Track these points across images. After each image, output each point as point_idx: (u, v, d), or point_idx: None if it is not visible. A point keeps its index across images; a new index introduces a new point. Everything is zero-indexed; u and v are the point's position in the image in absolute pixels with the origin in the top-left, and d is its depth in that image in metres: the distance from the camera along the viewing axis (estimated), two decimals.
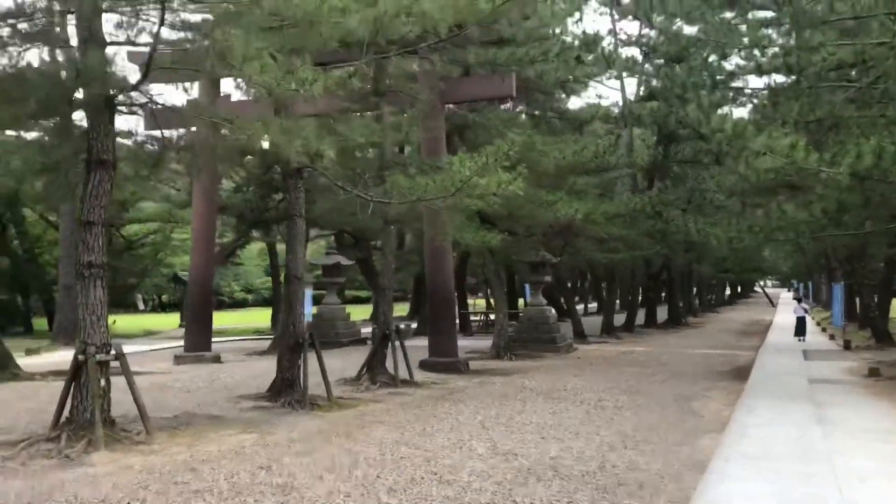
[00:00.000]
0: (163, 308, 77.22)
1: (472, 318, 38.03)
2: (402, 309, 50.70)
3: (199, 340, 22.36)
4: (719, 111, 15.19)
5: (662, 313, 44.48)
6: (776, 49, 20.45)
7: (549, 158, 17.82)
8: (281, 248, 38.33)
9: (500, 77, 19.05)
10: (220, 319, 47.25)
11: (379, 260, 16.95)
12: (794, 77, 17.14)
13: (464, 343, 28.54)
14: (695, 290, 66.05)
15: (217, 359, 22.21)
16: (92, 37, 9.97)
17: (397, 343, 16.54)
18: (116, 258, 39.94)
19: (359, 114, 19.27)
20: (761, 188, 21.55)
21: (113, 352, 10.40)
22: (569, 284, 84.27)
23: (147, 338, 37.47)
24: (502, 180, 10.67)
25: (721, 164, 30.94)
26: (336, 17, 10.69)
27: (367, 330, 30.61)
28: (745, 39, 16.90)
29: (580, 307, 63.88)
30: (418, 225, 16.85)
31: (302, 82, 9.55)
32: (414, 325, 34.92)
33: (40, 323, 42.15)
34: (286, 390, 13.44)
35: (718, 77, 17.20)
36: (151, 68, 9.97)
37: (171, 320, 47.95)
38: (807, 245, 16.71)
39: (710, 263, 53.06)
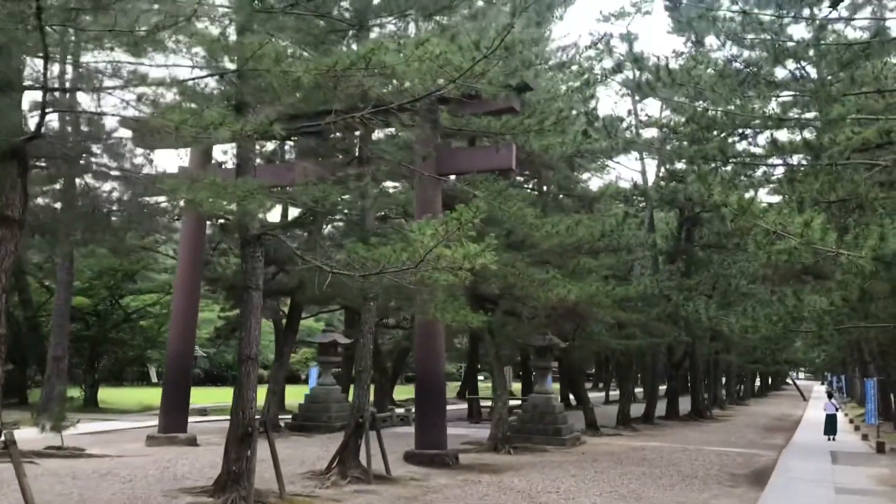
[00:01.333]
0: None
1: (483, 403, 36.17)
2: (408, 391, 48.87)
3: (174, 420, 20.88)
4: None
5: (686, 404, 42.21)
6: (795, 127, 19.26)
7: (543, 233, 16.46)
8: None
9: (499, 148, 17.90)
10: (221, 396, 45.77)
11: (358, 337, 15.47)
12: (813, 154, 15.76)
13: (465, 432, 26.79)
14: (723, 380, 63.46)
15: (192, 441, 20.66)
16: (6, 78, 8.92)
17: (374, 432, 15.00)
18: (115, 330, 38.97)
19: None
20: (786, 274, 20.04)
21: (1, 438, 9.00)
22: (588, 371, 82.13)
23: (140, 413, 36.04)
24: (469, 252, 9.28)
25: (745, 250, 29.52)
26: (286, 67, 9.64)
27: None
28: (760, 111, 15.70)
29: (601, 395, 61.73)
30: (403, 302, 15.47)
31: (207, 126, 8.35)
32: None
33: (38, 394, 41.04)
34: (231, 486, 11.88)
35: (730, 154, 15.89)
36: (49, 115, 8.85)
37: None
38: (830, 338, 15.13)
39: (738, 353, 50.83)
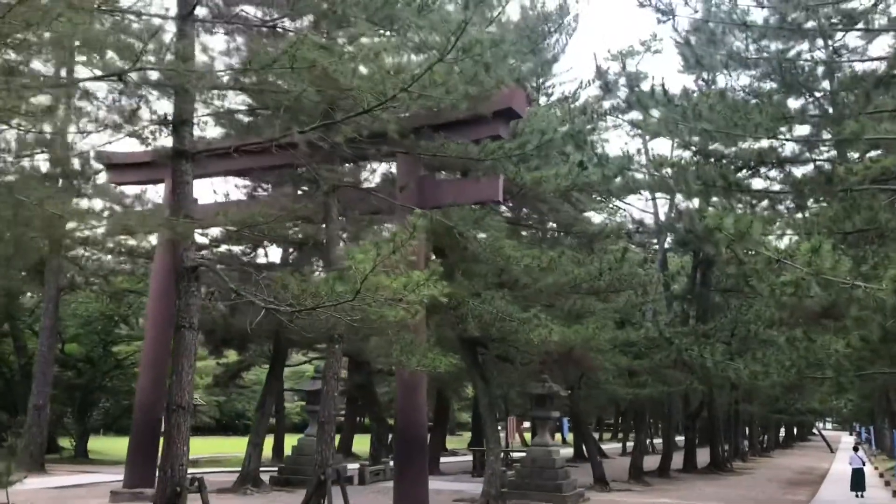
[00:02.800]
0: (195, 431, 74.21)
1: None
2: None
3: (141, 474, 19.39)
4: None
5: (705, 456, 40.02)
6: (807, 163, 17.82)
7: (522, 267, 15.00)
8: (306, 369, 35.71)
9: (480, 178, 16.59)
10: (228, 445, 44.16)
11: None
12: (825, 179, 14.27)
13: (463, 487, 24.98)
14: (747, 430, 60.91)
15: None
16: None
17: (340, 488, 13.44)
18: (107, 378, 37.58)
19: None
20: (803, 317, 18.40)
21: None
22: (607, 420, 79.57)
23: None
24: (412, 281, 7.87)
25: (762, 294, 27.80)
26: None
27: (354, 466, 27.39)
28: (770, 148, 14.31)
29: (616, 446, 59.37)
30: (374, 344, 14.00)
31: None
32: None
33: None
34: None
35: (733, 181, 14.43)
36: None
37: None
38: (850, 385, 13.52)
39: (759, 403, 48.58)
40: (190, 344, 10.78)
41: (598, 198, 23.87)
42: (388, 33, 10.66)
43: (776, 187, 17.52)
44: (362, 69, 9.11)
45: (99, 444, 42.43)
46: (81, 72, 9.72)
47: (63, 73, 14.50)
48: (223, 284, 10.97)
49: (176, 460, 10.59)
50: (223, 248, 22.57)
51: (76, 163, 26.29)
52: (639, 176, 31.49)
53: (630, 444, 54.53)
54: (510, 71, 14.43)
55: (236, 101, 11.18)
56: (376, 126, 13.33)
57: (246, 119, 12.01)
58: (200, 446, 44.93)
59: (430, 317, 18.63)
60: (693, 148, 20.55)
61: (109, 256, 31.51)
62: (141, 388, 19.94)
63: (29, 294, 35.70)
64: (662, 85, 16.70)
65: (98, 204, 30.26)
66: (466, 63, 9.57)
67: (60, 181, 25.47)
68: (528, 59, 19.62)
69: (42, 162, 20.35)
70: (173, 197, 10.94)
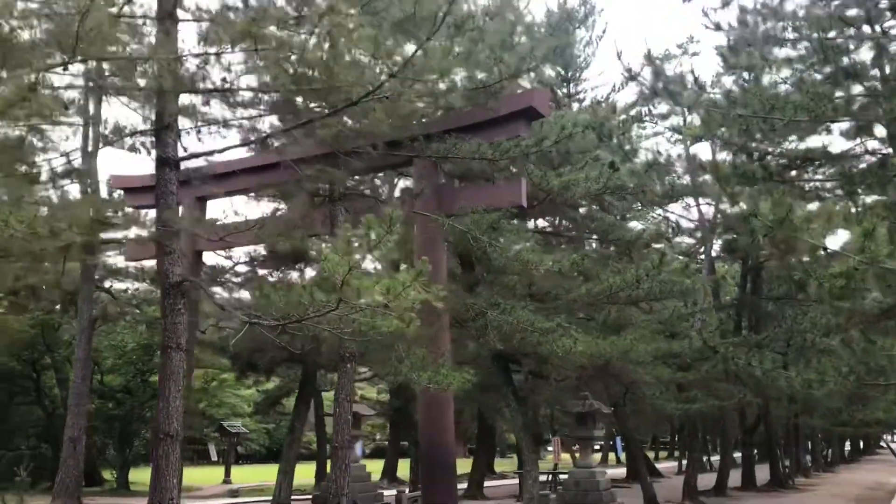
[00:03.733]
0: (238, 460, 73.77)
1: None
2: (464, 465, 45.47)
3: None
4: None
5: (764, 472, 38.02)
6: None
7: (542, 272, 13.88)
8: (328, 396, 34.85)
9: (507, 184, 15.60)
10: (267, 475, 43.34)
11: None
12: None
13: None
14: (809, 445, 58.30)
15: None
16: None
17: None
18: (143, 408, 37.05)
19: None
20: (865, 319, 16.95)
21: None
22: (662, 438, 77.08)
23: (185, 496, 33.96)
24: (395, 284, 6.89)
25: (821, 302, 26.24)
26: None
27: (391, 493, 26.35)
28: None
29: (673, 464, 57.25)
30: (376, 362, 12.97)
31: None
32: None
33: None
34: None
35: (773, 169, 13.20)
36: None
37: (216, 474, 44.41)
38: None
39: (820, 415, 46.31)
40: (177, 366, 9.92)
41: (638, 204, 22.62)
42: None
43: (822, 180, 16.17)
44: (346, 57, 8.23)
45: (142, 475, 42.04)
46: (53, 79, 8.90)
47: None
48: (211, 301, 10.11)
49: (165, 494, 9.71)
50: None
51: (104, 189, 26.03)
52: (682, 182, 30.30)
53: (686, 462, 52.53)
54: (523, 60, 13.41)
55: (224, 106, 10.42)
56: (383, 129, 12.51)
57: (238, 123, 11.35)
58: (248, 475, 44.38)
59: (456, 332, 17.66)
60: (734, 147, 19.35)
61: (141, 285, 31.16)
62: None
63: (64, 325, 35.53)
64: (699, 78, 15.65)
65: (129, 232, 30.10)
66: (465, 43, 8.67)
67: (91, 210, 25.24)
68: (550, 58, 18.63)
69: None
70: (157, 208, 10.15)
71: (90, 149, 26.52)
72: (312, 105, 10.55)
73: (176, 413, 9.76)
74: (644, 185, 18.69)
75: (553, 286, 17.62)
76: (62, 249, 12.65)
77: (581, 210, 20.94)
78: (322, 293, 7.45)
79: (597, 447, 75.77)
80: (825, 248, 8.14)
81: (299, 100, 11.07)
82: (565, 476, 28.47)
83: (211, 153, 10.36)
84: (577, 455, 20.50)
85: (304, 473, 33.12)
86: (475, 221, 13.11)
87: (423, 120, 15.42)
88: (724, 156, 29.74)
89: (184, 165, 10.53)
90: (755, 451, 39.72)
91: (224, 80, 9.66)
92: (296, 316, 7.99)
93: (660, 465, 51.99)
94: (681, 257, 33.33)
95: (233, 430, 45.37)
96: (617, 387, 24.36)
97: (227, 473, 41.85)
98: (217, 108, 10.43)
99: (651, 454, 68.28)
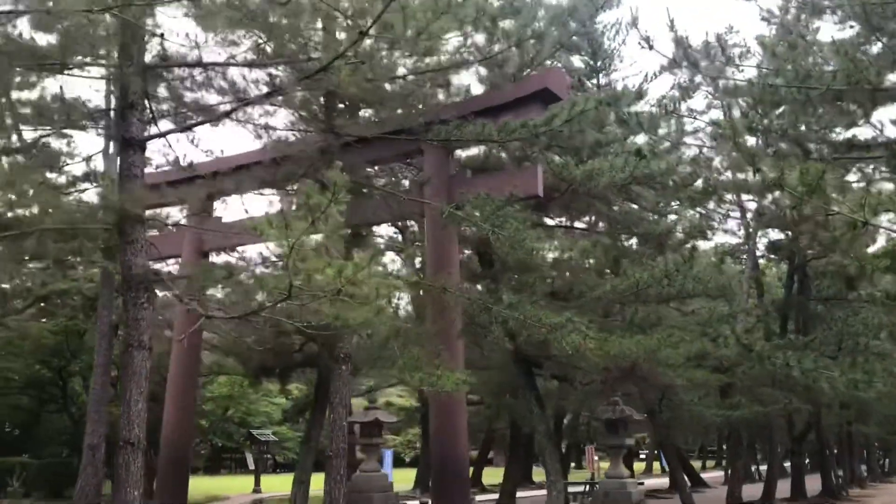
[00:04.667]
0: (275, 469, 73.33)
1: (573, 487, 31.45)
2: (495, 474, 44.29)
3: None
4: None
5: (816, 482, 36.09)
6: None
7: (549, 262, 12.70)
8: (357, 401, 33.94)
9: (522, 173, 14.49)
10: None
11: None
12: None
13: None
14: (864, 454, 55.87)
15: None
16: None
17: None
18: None
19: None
20: None
21: None
22: (710, 447, 74.64)
23: None
24: (343, 267, 5.86)
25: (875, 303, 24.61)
26: None
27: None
28: None
29: (719, 474, 55.18)
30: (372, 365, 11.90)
31: None
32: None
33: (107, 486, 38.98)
34: None
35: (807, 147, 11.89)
36: None
37: (249, 483, 43.82)
38: None
39: (877, 422, 44.09)
40: (140, 367, 8.98)
41: (672, 200, 21.21)
42: None
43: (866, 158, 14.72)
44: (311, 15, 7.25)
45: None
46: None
47: None
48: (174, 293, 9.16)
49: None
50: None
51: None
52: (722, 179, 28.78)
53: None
54: (524, 27, 12.28)
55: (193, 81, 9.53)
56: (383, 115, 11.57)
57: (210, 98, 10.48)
58: (280, 483, 43.49)
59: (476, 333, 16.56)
60: (773, 134, 18.01)
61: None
62: (166, 425, 18.45)
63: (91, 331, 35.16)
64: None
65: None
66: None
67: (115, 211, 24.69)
68: (569, 40, 17.47)
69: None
70: (120, 191, 9.26)
71: (111, 151, 26.09)
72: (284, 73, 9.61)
73: (138, 418, 8.83)
74: (676, 176, 17.38)
75: (576, 283, 16.44)
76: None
77: (613, 205, 19.65)
78: (274, 280, 6.47)
79: (642, 456, 74.01)
80: (864, 222, 6.86)
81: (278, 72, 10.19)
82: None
83: (177, 130, 9.45)
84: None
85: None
86: (477, 207, 11.98)
87: (429, 105, 14.40)
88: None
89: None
90: (806, 460, 37.86)
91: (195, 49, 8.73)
92: (254, 307, 7.02)
93: (707, 475, 50.08)
94: (717, 253, 31.83)
95: (262, 438, 44.70)
96: (652, 392, 23.02)
97: (257, 482, 41.19)
98: (185, 84, 9.53)
99: (698, 463, 66.26)
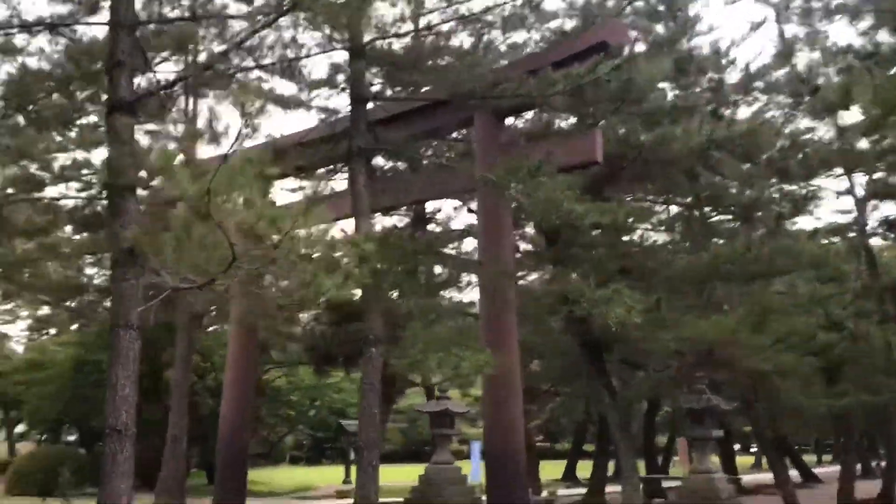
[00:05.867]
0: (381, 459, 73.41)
1: (668, 483, 29.58)
2: (554, 468, 42.39)
3: None
4: None
5: None
6: None
7: (588, 226, 11.25)
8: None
9: (578, 139, 13.18)
10: (397, 475, 42.09)
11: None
12: None
13: None
14: None
15: None
16: None
17: None
18: (256, 407, 36.52)
19: None
20: None
21: None
22: (819, 442, 70.11)
23: (283, 497, 33.52)
24: (277, 214, 4.86)
25: None
26: None
27: None
28: None
29: (834, 470, 51.68)
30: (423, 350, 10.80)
31: None
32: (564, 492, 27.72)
33: (199, 475, 39.55)
34: None
35: None
36: None
37: (340, 474, 43.73)
38: None
39: None
40: (127, 349, 8.22)
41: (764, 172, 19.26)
42: None
43: None
44: None
45: (259, 475, 41.93)
46: None
47: None
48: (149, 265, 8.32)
49: (113, 499, 8.02)
50: None
51: None
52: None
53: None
54: None
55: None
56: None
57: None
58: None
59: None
60: None
61: None
62: (224, 412, 17.96)
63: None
64: None
65: None
66: None
67: None
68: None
69: None
70: (108, 158, 8.53)
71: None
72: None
73: (125, 404, 8.07)
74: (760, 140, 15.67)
75: (649, 260, 15.00)
76: None
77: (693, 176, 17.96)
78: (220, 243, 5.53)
79: (752, 450, 70.39)
80: None
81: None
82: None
83: (165, 87, 8.66)
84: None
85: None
86: (510, 170, 10.68)
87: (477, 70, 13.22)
88: None
89: None
90: None
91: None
92: (219, 270, 6.11)
93: (822, 470, 46.89)
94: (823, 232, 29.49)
95: (350, 429, 44.42)
96: (745, 379, 21.16)
97: (347, 473, 40.88)
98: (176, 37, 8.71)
99: (813, 458, 62.61)
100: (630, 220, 10.80)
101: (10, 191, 17.24)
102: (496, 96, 11.63)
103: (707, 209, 18.06)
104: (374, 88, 13.34)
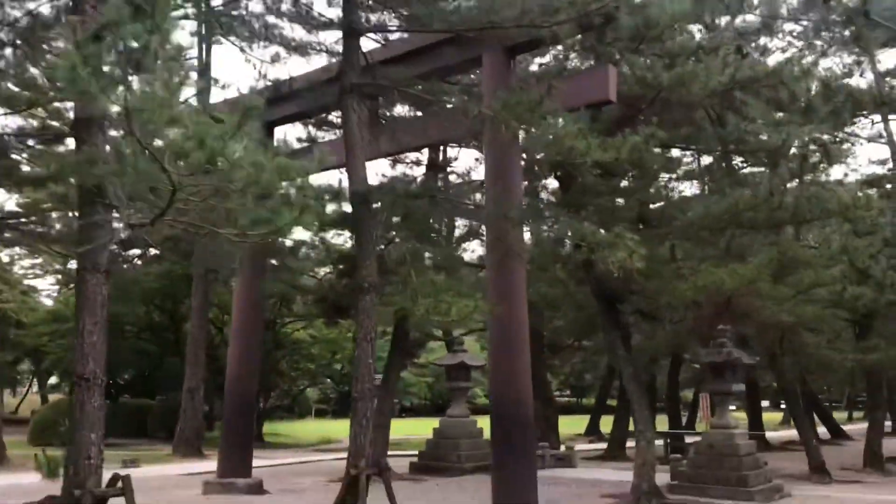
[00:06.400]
0: (400, 413, 73.86)
1: (691, 436, 29.05)
2: (578, 423, 41.98)
3: (234, 462, 17.13)
4: None
5: None
6: None
7: (589, 162, 10.49)
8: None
9: (589, 75, 12.41)
10: (416, 428, 42.17)
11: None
12: None
13: (622, 478, 20.53)
14: None
15: (256, 488, 16.81)
16: None
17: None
18: (277, 359, 36.39)
19: None
20: None
21: None
22: (851, 398, 68.89)
23: (307, 448, 33.70)
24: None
25: None
26: None
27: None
28: None
29: (860, 426, 50.79)
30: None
31: None
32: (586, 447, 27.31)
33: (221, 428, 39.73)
34: None
35: None
36: None
37: None
38: None
39: None
40: (94, 292, 7.76)
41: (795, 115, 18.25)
42: None
43: None
44: None
45: (285, 427, 42.21)
46: None
47: None
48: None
49: (81, 453, 7.65)
50: None
51: None
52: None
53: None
54: None
55: None
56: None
57: None
58: (400, 428, 43.08)
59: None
60: None
61: None
62: (230, 362, 17.61)
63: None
64: None
65: None
66: None
67: None
68: None
69: None
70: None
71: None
72: None
73: (93, 351, 7.65)
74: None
75: (666, 206, 14.28)
76: None
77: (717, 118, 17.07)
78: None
79: (782, 406, 69.58)
80: None
81: None
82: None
83: None
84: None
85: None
86: (507, 105, 9.91)
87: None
88: None
89: None
90: None
91: None
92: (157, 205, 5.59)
93: (852, 427, 46.08)
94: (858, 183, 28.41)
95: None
96: (770, 333, 20.43)
97: None
98: None
99: (844, 415, 61.77)
100: (637, 156, 10.03)
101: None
102: (497, 26, 10.87)
103: (735, 159, 17.21)
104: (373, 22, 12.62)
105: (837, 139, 17.83)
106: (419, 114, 17.70)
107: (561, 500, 16.70)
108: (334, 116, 18.85)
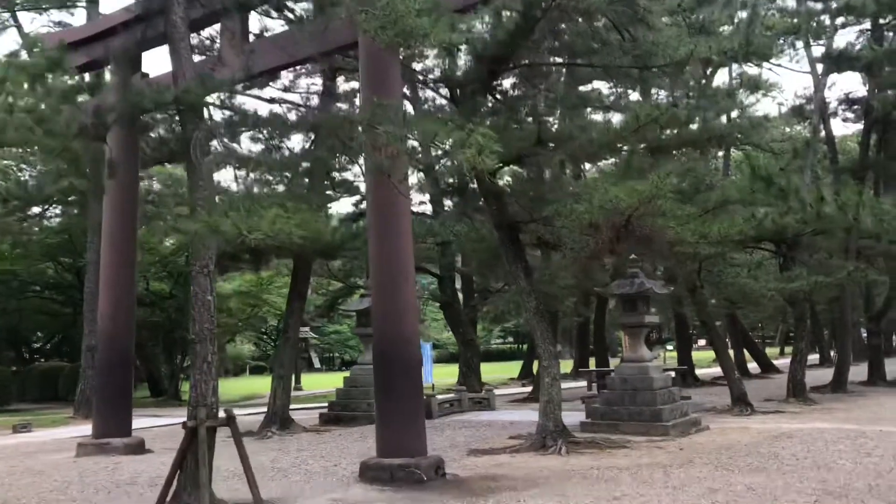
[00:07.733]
0: (341, 366, 72.85)
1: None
2: (515, 369, 41.90)
3: (110, 423, 15.69)
4: None
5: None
6: None
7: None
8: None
9: None
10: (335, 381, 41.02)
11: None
12: None
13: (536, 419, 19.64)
14: None
15: (135, 448, 15.45)
16: None
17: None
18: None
19: None
20: None
21: None
22: (785, 333, 69.97)
23: (233, 404, 32.20)
24: None
25: None
26: None
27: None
28: None
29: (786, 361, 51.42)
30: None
31: None
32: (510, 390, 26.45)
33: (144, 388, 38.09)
34: None
35: None
36: None
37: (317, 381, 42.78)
38: None
39: None
40: None
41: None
42: None
43: None
44: None
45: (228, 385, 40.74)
46: None
47: None
48: None
49: None
50: None
51: None
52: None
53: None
54: None
55: None
56: None
57: None
58: (330, 381, 42.01)
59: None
60: None
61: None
62: (100, 317, 16.08)
63: None
64: None
65: None
66: None
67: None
68: None
69: None
70: None
71: None
72: None
73: None
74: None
75: (564, 124, 13.07)
76: None
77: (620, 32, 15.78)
78: None
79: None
80: None
81: None
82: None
83: None
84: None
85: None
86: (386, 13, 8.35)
87: None
88: None
89: None
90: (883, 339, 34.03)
91: None
92: None
93: (783, 362, 46.44)
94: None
95: (301, 336, 43.22)
96: (692, 262, 19.63)
97: (297, 380, 39.78)
98: None
99: (776, 350, 62.59)
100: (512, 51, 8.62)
101: None
102: None
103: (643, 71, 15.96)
104: None
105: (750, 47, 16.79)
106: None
107: (467, 442, 15.76)
108: None
